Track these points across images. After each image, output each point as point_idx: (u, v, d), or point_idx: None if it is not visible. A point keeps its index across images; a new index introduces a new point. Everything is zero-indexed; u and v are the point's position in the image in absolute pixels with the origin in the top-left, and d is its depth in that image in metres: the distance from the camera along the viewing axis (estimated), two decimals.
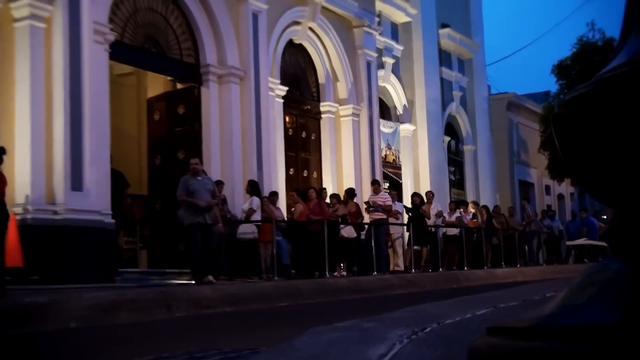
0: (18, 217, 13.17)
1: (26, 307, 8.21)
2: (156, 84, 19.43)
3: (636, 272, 1.49)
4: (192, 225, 13.75)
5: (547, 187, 37.41)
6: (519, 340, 1.46)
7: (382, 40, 24.67)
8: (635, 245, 1.54)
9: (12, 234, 12.99)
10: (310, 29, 20.84)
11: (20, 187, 13.52)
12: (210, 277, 13.37)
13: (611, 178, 1.59)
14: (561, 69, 29.02)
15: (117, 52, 15.82)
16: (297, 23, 20.35)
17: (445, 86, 29.10)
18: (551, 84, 30.32)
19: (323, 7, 20.76)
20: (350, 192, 18.74)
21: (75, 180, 14.05)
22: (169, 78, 18.81)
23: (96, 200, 14.38)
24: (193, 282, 13.55)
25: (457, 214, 22.19)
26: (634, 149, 1.48)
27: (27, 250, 12.92)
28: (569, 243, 27.89)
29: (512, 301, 4.51)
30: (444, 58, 29.17)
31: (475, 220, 22.66)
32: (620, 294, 1.44)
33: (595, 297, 1.46)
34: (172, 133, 18.34)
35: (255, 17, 18.36)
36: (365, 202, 19.10)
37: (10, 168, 13.52)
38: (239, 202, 16.62)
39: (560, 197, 39.16)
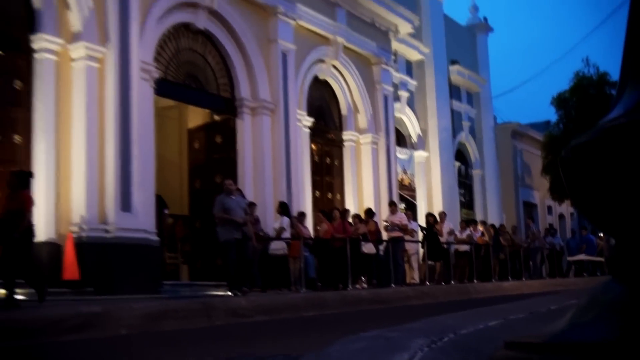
0: (74, 235, 13.33)
1: (83, 316, 8.20)
2: (196, 116, 19.53)
3: (634, 296, 1.54)
4: (228, 241, 13.67)
5: (549, 208, 37.21)
6: (533, 354, 1.52)
7: (398, 76, 24.74)
8: (633, 271, 1.59)
9: (69, 250, 13.19)
10: (334, 66, 20.95)
11: (76, 209, 13.62)
12: (245, 289, 13.31)
13: (611, 213, 1.65)
14: (560, 101, 28.90)
15: (161, 88, 15.91)
16: (321, 61, 20.45)
17: (455, 117, 29.09)
18: (551, 114, 30.19)
19: (345, 47, 20.86)
20: (370, 213, 18.74)
21: (125, 202, 14.14)
22: (207, 111, 18.83)
23: (143, 220, 14.43)
24: (230, 293, 13.54)
25: (467, 232, 22.10)
26: (630, 190, 1.54)
27: (82, 264, 13.08)
28: (569, 258, 27.66)
29: (520, 313, 4.50)
30: (454, 91, 29.19)
31: (484, 237, 22.57)
32: (620, 314, 1.50)
33: (599, 316, 1.53)
34: (210, 160, 18.42)
35: (284, 55, 18.48)
36: (384, 221, 19.09)
37: (67, 191, 13.77)
38: (271, 221, 16.66)
39: (561, 216, 38.91)
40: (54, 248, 13.17)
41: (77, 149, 13.80)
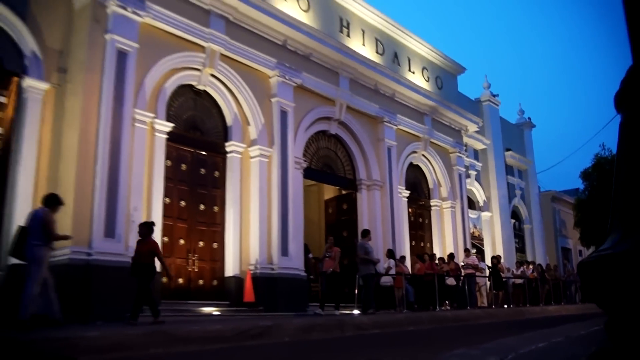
0: (252, 271, 13.63)
1: (260, 327, 8.28)
2: (329, 191, 19.85)
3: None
4: (368, 275, 13.52)
5: (580, 251, 35.57)
6: None
7: (468, 160, 24.63)
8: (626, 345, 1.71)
9: (248, 281, 13.46)
10: (423, 155, 21.06)
11: (253, 254, 13.94)
12: (372, 310, 13.03)
13: (604, 301, 1.79)
14: (585, 175, 27.96)
15: (307, 173, 16.25)
16: (414, 152, 20.57)
17: (510, 187, 28.55)
18: (579, 184, 29.29)
19: (431, 142, 20.94)
20: (451, 256, 18.58)
21: (284, 249, 14.38)
22: (337, 187, 19.07)
23: (295, 261, 14.62)
24: (356, 312, 13.46)
25: (521, 269, 21.56)
26: (615, 291, 1.70)
27: (256, 291, 13.36)
28: None
29: (559, 337, 4.46)
30: (509, 170, 28.70)
31: (533, 273, 21.90)
32: None
33: None
34: (339, 220, 18.69)
35: (389, 149, 18.72)
36: (461, 262, 18.90)
37: (247, 243, 14.06)
38: (381, 262, 16.70)
39: None
40: (238, 280, 13.54)
41: (253, 215, 14.19)
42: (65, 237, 9.04)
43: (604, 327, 1.82)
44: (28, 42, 11.41)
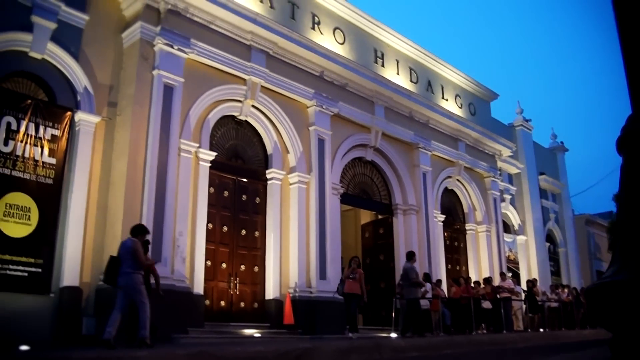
0: (291, 295, 13.61)
1: (300, 349, 8.12)
2: (366, 216, 19.81)
3: None
4: (415, 299, 13.27)
5: None
6: None
7: (503, 185, 24.27)
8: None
9: (287, 304, 13.43)
10: (458, 179, 20.88)
11: (292, 278, 13.96)
12: (409, 334, 12.80)
13: (607, 321, 1.93)
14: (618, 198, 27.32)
15: (344, 198, 16.29)
16: (449, 177, 20.41)
17: (545, 211, 27.97)
18: (613, 206, 28.57)
19: (465, 167, 20.75)
20: (487, 279, 18.23)
21: (322, 273, 14.35)
22: (373, 212, 19.03)
23: (333, 284, 14.31)
24: (393, 335, 13.29)
25: (556, 293, 21.04)
26: (614, 309, 1.84)
27: (296, 314, 13.33)
28: None
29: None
30: (543, 193, 28.15)
31: (568, 297, 21.33)
32: None
33: None
34: (376, 244, 18.59)
35: (424, 175, 18.62)
36: (497, 286, 18.56)
37: (287, 267, 14.06)
38: None
39: None
40: (278, 303, 13.53)
41: (292, 239, 14.25)
42: (153, 263, 9.46)
43: (608, 346, 1.94)
44: (81, 79, 11.85)
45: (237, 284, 13.34)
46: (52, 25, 11.48)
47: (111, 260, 8.67)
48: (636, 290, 1.77)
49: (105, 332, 8.09)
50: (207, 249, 12.62)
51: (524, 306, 19.53)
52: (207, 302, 12.61)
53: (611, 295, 1.84)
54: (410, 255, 13.88)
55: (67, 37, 11.77)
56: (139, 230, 8.83)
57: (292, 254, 14.16)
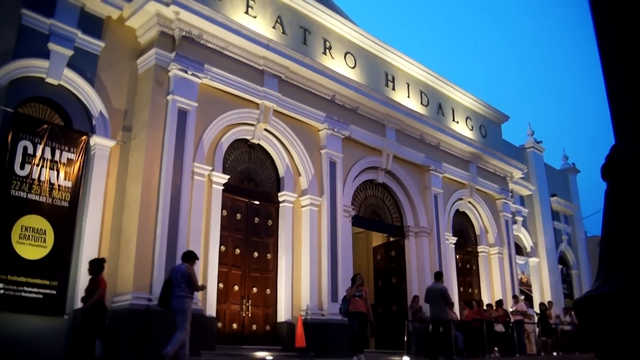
0: (303, 317, 13.46)
1: None
2: (377, 238, 19.67)
3: None
4: (449, 321, 12.98)
5: None
6: None
7: (514, 207, 24.03)
8: None
9: (299, 327, 13.27)
10: (470, 202, 20.73)
11: (304, 300, 13.84)
12: (456, 357, 12.62)
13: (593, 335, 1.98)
14: None
15: (356, 221, 16.17)
16: (461, 199, 20.27)
17: (557, 233, 27.64)
18: None
19: (476, 189, 20.59)
20: (499, 302, 18.03)
21: (333, 296, 14.13)
22: (385, 235, 18.92)
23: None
24: (406, 358, 13.04)
25: (570, 315, 20.69)
26: (602, 324, 1.92)
27: (307, 336, 13.14)
28: None
29: None
30: (555, 215, 27.84)
31: None
32: None
33: None
34: (387, 267, 18.40)
35: (435, 197, 18.51)
36: (510, 309, 18.31)
37: (298, 289, 13.97)
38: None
39: None
40: (290, 326, 13.39)
41: (304, 262, 14.17)
42: (203, 288, 9.85)
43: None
44: (96, 104, 11.97)
45: (249, 307, 13.25)
46: (69, 52, 11.64)
47: (165, 284, 9.08)
48: (619, 302, 1.88)
49: (166, 348, 8.43)
50: (219, 272, 12.58)
51: (537, 329, 19.23)
52: (220, 324, 12.52)
53: (592, 308, 1.97)
54: (439, 276, 13.62)
55: (83, 63, 11.92)
56: (190, 256, 9.25)
57: (304, 277, 14.07)
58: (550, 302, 20.73)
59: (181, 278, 8.82)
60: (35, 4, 11.33)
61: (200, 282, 11.78)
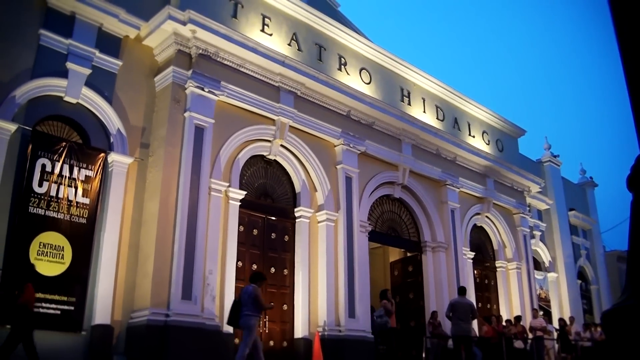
0: (320, 333, 13.26)
1: None
2: (394, 253, 19.46)
3: None
4: (472, 337, 13.07)
5: None
6: None
7: (532, 221, 23.64)
8: None
9: (316, 343, 13.02)
10: (487, 217, 20.41)
11: (321, 316, 13.66)
12: None
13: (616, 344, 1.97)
14: None
15: (372, 236, 16.00)
16: (478, 214, 19.99)
17: (575, 247, 27.12)
18: None
19: (494, 203, 20.26)
20: (518, 318, 17.63)
21: (351, 311, 13.97)
22: (402, 250, 18.70)
23: (362, 323, 14.17)
24: None
25: (590, 332, 20.20)
26: (625, 335, 1.91)
27: (325, 352, 12.84)
28: None
29: None
30: (573, 229, 27.35)
31: (602, 335, 20.46)
32: None
33: None
34: (404, 282, 18.12)
35: (452, 212, 18.27)
36: (529, 325, 17.92)
37: (315, 305, 13.82)
38: (448, 323, 16.00)
39: None
40: (307, 342, 13.21)
41: (321, 277, 14.01)
42: (270, 307, 10.88)
43: None
44: (114, 122, 11.99)
45: (267, 322, 13.07)
46: (87, 71, 11.71)
47: (234, 304, 9.78)
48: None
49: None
50: (236, 287, 12.43)
51: (556, 345, 18.78)
52: (237, 340, 12.36)
53: (623, 319, 1.94)
54: (464, 291, 13.71)
55: (101, 81, 11.97)
56: (257, 278, 9.94)
57: (321, 292, 13.90)
58: (572, 318, 20.27)
59: (248, 298, 9.45)
60: (53, 25, 11.44)
61: (215, 296, 11.81)
